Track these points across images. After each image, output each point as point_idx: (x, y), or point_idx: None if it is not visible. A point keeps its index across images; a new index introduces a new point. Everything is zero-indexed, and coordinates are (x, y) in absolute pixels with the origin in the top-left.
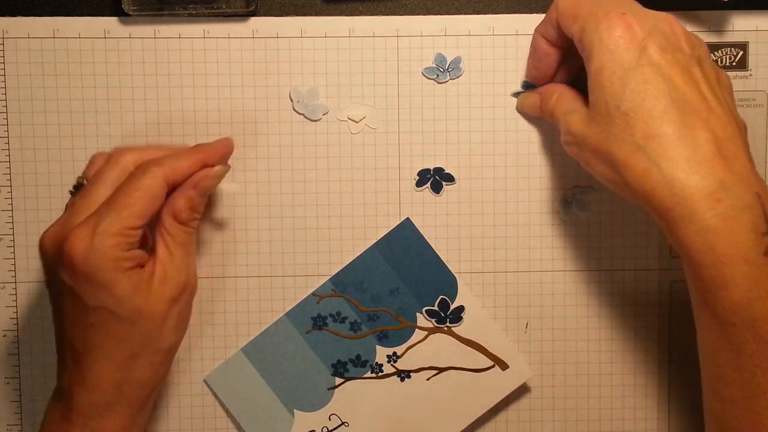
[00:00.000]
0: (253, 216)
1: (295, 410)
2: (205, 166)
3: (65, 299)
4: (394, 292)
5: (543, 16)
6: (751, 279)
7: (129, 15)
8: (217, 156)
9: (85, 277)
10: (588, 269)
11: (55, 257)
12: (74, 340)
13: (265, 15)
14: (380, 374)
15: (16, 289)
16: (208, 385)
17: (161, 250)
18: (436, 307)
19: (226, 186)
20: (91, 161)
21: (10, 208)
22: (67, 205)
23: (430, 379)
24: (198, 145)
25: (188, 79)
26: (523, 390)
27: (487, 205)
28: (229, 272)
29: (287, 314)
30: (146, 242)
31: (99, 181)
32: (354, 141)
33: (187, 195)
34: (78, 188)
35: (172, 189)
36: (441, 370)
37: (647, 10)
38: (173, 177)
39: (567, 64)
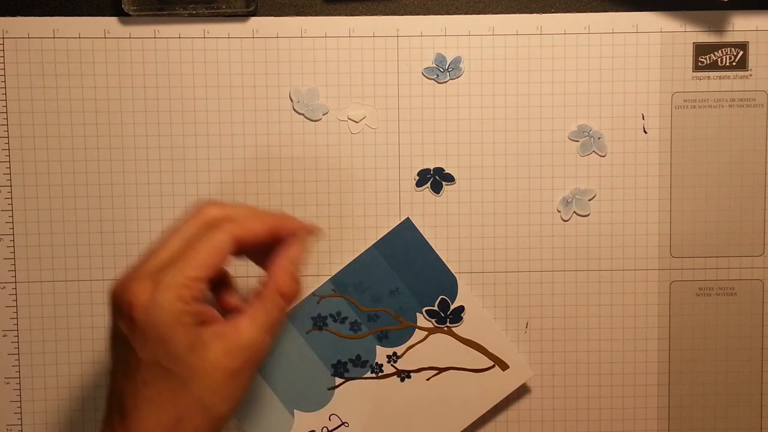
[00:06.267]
0: None
1: (295, 410)
2: (275, 232)
3: (120, 350)
4: (394, 292)
5: (543, 16)
6: None
7: (129, 15)
8: (290, 226)
9: (142, 329)
10: (588, 269)
11: (118, 306)
12: (124, 394)
13: (265, 15)
14: (380, 374)
15: (16, 289)
16: None
17: (245, 320)
18: (436, 307)
19: (226, 185)
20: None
21: (10, 208)
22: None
23: (430, 379)
24: (275, 213)
25: (188, 79)
26: (523, 390)
27: (487, 205)
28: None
29: (287, 314)
30: (208, 301)
31: (176, 234)
32: (354, 141)
33: (283, 266)
34: None
35: (239, 250)
36: (441, 370)
37: None
38: (242, 236)
39: None
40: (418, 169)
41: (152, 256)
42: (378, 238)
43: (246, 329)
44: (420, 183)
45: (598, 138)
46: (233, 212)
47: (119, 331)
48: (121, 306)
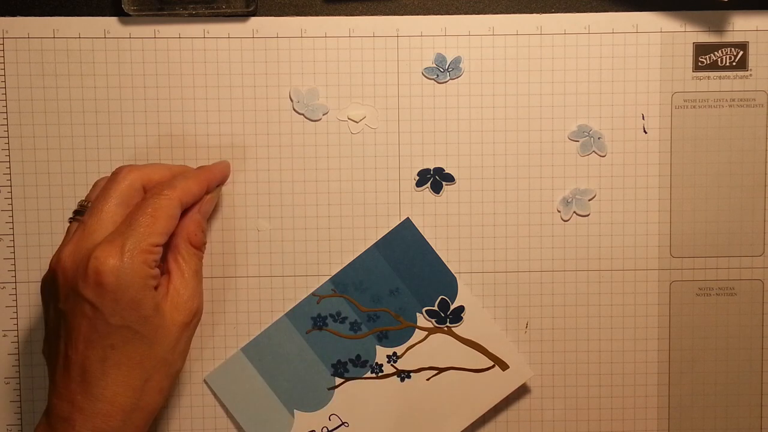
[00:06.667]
0: (253, 216)
1: (295, 410)
2: (208, 187)
3: (83, 319)
4: (394, 292)
5: (543, 16)
6: None
7: (129, 15)
8: (220, 178)
9: (113, 294)
10: (588, 269)
11: (77, 275)
12: (88, 363)
13: (265, 15)
14: (380, 374)
15: (16, 289)
16: (208, 385)
17: (176, 276)
18: (436, 307)
19: (226, 186)
20: (95, 185)
21: (10, 208)
22: (69, 228)
23: (430, 379)
24: (202, 168)
25: (188, 79)
26: (523, 390)
27: (487, 205)
28: (229, 272)
29: (287, 314)
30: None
31: (107, 199)
32: (354, 141)
33: (195, 219)
34: (80, 212)
35: (183, 211)
36: (441, 370)
37: None
38: (185, 199)
39: None
40: (418, 169)
41: (92, 224)
42: (378, 238)
43: (181, 284)
44: (420, 183)
45: (598, 138)
46: (155, 172)
47: (81, 300)
48: (86, 274)
